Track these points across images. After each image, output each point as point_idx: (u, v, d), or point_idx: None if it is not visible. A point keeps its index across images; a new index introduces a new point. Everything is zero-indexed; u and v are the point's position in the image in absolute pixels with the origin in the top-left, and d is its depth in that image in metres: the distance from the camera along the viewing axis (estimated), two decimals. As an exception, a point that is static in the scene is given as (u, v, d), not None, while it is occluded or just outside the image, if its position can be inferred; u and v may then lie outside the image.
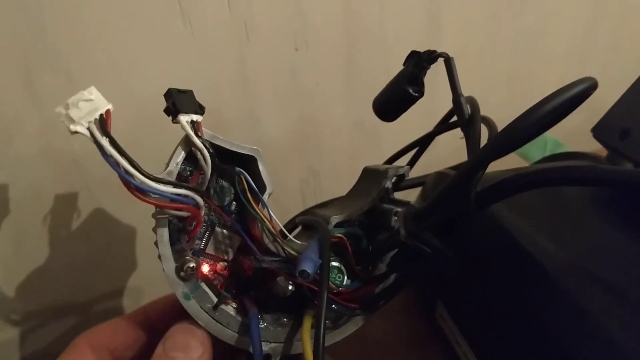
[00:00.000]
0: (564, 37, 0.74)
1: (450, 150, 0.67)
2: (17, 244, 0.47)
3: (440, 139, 0.42)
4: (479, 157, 0.26)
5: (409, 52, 0.36)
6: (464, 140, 0.32)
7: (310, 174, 0.65)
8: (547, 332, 0.25)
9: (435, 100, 0.48)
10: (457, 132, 0.40)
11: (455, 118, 0.40)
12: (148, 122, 0.46)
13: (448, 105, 0.40)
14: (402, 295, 0.45)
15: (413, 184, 0.46)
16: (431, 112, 0.48)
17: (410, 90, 0.34)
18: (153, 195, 0.29)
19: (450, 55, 0.33)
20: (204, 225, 0.34)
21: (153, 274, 0.55)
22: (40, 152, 0.45)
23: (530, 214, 0.33)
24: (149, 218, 0.32)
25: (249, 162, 0.34)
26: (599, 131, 0.37)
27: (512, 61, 0.72)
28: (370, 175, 0.39)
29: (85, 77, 0.44)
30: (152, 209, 0.31)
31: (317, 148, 0.63)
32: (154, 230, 0.32)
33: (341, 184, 0.42)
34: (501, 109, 0.33)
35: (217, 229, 0.35)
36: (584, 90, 0.26)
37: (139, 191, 0.28)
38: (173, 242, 0.32)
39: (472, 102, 0.33)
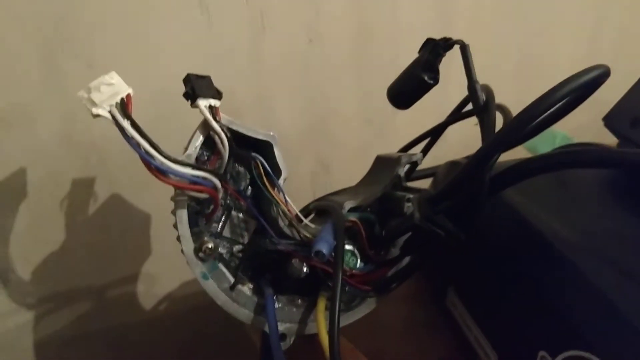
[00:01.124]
0: (571, 34, 0.74)
1: (459, 144, 0.67)
2: (34, 228, 0.47)
3: (449, 132, 0.42)
4: (495, 140, 0.26)
5: (419, 46, 0.37)
6: (472, 134, 0.32)
7: (320, 166, 0.65)
8: (559, 310, 0.26)
9: (446, 95, 0.48)
10: (468, 124, 0.40)
11: (467, 108, 0.41)
12: (166, 108, 0.47)
13: (459, 99, 0.41)
14: (413, 283, 0.46)
15: (424, 175, 0.47)
16: (442, 107, 0.48)
17: (425, 78, 0.34)
18: (173, 177, 0.30)
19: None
20: (221, 209, 0.34)
21: (167, 261, 0.56)
22: (60, 137, 0.46)
23: (542, 199, 0.33)
24: (164, 205, 0.32)
25: (264, 148, 0.35)
26: (610, 120, 0.38)
27: (520, 57, 0.72)
28: (383, 163, 0.40)
29: (105, 63, 0.45)
30: (168, 196, 0.32)
31: (328, 141, 0.64)
32: (173, 212, 0.32)
33: (351, 177, 0.43)
34: (508, 103, 0.33)
35: (233, 213, 0.35)
36: (598, 76, 0.27)
37: (160, 172, 0.29)
38: (191, 225, 0.32)
39: (487, 89, 0.33)
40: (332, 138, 0.64)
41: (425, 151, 0.43)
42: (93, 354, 0.56)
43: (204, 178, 0.31)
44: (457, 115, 0.40)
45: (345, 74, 0.60)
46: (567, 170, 0.32)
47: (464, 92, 0.41)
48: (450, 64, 0.35)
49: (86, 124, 0.46)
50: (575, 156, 0.25)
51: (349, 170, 0.66)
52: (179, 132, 0.34)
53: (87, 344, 0.55)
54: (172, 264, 0.56)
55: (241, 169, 0.35)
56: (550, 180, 0.35)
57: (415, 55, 0.37)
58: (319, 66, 0.57)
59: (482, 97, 0.32)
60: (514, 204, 0.33)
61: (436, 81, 0.35)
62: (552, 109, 0.27)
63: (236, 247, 0.35)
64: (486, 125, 0.31)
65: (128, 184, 0.50)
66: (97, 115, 0.28)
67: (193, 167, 0.30)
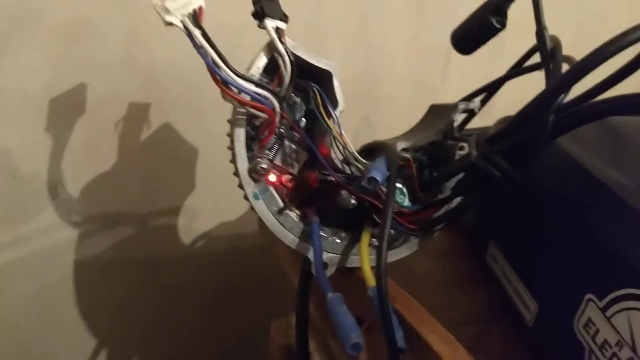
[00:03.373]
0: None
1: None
2: (87, 146, 0.49)
3: (497, 97, 0.42)
4: (563, 79, 0.26)
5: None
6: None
7: (364, 123, 0.65)
8: (611, 250, 0.26)
9: (500, 63, 0.47)
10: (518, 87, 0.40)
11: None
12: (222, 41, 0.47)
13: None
14: (453, 239, 0.46)
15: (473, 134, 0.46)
16: (495, 74, 0.48)
17: (493, 21, 0.34)
18: (235, 91, 0.30)
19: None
20: (275, 137, 0.35)
21: (209, 198, 0.57)
22: (123, 57, 0.47)
23: (598, 149, 0.33)
24: (212, 142, 0.33)
25: (322, 81, 0.35)
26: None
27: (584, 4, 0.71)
28: (437, 110, 0.40)
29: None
30: (217, 132, 0.33)
31: (376, 98, 0.64)
32: (229, 133, 0.33)
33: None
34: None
35: (286, 143, 0.36)
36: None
37: (224, 84, 0.30)
38: (246, 149, 0.33)
39: (555, 38, 0.33)
40: (381, 98, 0.64)
41: (481, 105, 0.43)
42: (129, 280, 0.58)
43: (265, 97, 0.31)
44: (517, 69, 0.40)
45: (401, 33, 0.60)
46: (621, 120, 0.32)
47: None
48: (506, 34, 0.35)
49: (148, 47, 0.47)
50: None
51: (393, 131, 0.66)
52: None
53: (125, 270, 0.57)
54: (213, 202, 0.58)
55: (297, 99, 0.36)
56: (603, 132, 0.35)
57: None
58: (376, 21, 0.57)
59: (550, 44, 0.32)
60: (568, 150, 0.33)
61: (503, 25, 0.34)
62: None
63: (286, 177, 0.36)
64: (552, 72, 0.31)
65: (180, 116, 0.51)
66: (170, 24, 0.29)
67: (256, 84, 0.31)
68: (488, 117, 0.43)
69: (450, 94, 0.65)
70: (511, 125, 0.29)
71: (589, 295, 0.27)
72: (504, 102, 0.47)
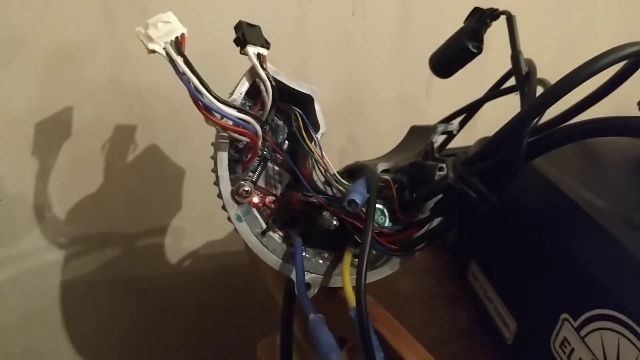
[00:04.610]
0: (611, 25, 0.74)
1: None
2: (74, 168, 0.49)
3: (478, 117, 0.43)
4: (537, 102, 0.27)
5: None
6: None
7: (350, 142, 0.66)
8: (585, 271, 0.26)
9: (483, 83, 0.49)
10: (499, 108, 0.41)
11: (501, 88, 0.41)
12: (208, 66, 0.48)
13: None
14: (435, 258, 0.47)
15: (453, 154, 0.47)
16: (477, 94, 0.49)
17: (470, 46, 0.35)
18: (218, 117, 0.31)
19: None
20: (258, 160, 0.35)
21: (196, 218, 0.57)
22: (109, 81, 0.47)
23: (572, 170, 0.34)
24: (199, 161, 0.33)
25: (304, 104, 0.36)
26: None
27: (564, 27, 0.73)
28: (417, 132, 0.40)
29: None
30: (203, 154, 0.33)
31: (361, 117, 0.65)
32: (213, 156, 0.33)
33: (380, 155, 0.43)
34: (549, 73, 0.34)
35: (269, 165, 0.36)
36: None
37: (206, 110, 0.30)
38: (229, 171, 0.33)
39: (530, 62, 0.34)
40: (365, 115, 0.65)
41: (460, 126, 0.43)
42: (115, 300, 0.58)
43: (247, 122, 0.32)
44: (495, 91, 0.41)
45: (385, 52, 0.61)
46: (598, 141, 0.33)
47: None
48: (488, 51, 0.36)
49: (134, 71, 0.47)
50: (626, 123, 0.25)
51: (379, 150, 0.67)
52: (220, 88, 0.35)
53: (111, 290, 0.57)
54: (200, 222, 0.58)
55: (280, 122, 0.36)
56: (580, 153, 0.36)
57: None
58: (360, 41, 0.58)
59: (525, 68, 0.33)
60: (544, 172, 0.33)
61: (480, 50, 0.35)
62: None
63: (269, 198, 0.36)
64: (527, 95, 0.32)
65: (166, 137, 0.52)
66: (153, 51, 0.29)
67: (238, 109, 0.31)
68: (472, 134, 0.45)
69: (435, 111, 0.66)
70: (487, 148, 0.30)
71: (564, 315, 0.28)
72: (489, 119, 0.48)
